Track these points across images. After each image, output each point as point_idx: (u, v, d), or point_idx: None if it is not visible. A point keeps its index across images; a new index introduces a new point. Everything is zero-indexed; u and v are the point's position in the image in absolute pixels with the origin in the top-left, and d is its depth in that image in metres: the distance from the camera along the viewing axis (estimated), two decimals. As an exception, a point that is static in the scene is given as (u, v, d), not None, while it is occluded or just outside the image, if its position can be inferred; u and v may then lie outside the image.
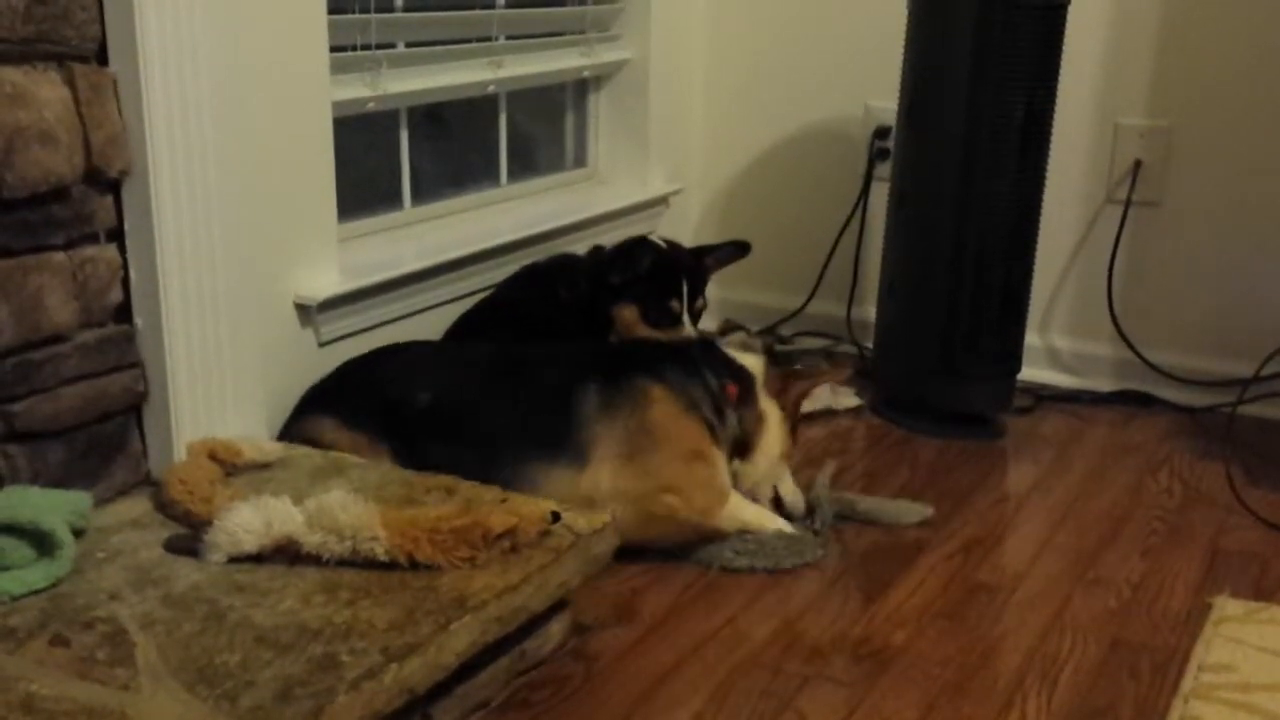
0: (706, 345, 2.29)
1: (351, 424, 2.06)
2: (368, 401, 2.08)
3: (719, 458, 2.10)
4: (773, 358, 2.98)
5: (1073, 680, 1.78)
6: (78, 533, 1.65)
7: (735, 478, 2.14)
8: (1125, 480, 2.49)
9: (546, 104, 3.05)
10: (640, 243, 2.56)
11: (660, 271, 2.56)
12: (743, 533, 2.10)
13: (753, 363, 2.25)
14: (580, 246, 2.83)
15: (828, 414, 2.77)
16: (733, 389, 2.15)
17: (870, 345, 2.93)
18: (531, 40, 2.80)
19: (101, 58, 1.74)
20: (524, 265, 2.62)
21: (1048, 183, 2.63)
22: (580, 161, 3.14)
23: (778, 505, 2.20)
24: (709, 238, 3.18)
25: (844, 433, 2.70)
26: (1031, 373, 2.91)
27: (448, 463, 1.94)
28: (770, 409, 2.19)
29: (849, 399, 2.82)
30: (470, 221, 2.71)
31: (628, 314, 2.55)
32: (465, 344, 2.40)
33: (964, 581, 2.06)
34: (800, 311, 3.21)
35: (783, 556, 2.07)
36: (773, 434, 2.18)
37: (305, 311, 2.18)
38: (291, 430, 2.11)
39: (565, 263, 2.67)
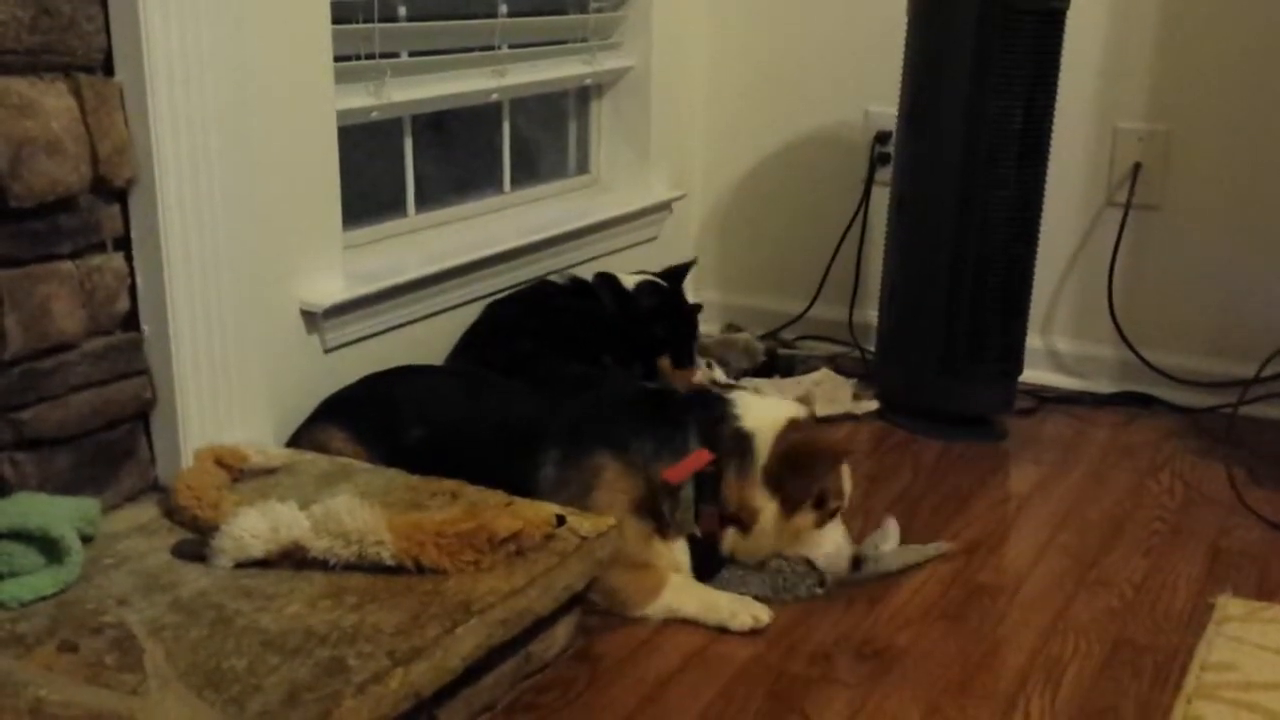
0: (707, 402, 2.04)
1: (359, 439, 2.08)
2: (376, 421, 2.10)
3: (658, 552, 1.95)
4: (772, 366, 3.00)
5: (1076, 680, 1.79)
6: (86, 539, 1.66)
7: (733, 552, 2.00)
8: (1127, 481, 2.49)
9: (549, 111, 3.07)
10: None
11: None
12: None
13: (769, 421, 1.97)
14: (583, 253, 2.85)
15: (847, 419, 2.77)
16: (704, 457, 1.94)
17: (872, 348, 2.94)
18: (534, 49, 2.81)
19: (107, 68, 1.76)
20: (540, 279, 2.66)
21: (1048, 186, 2.64)
22: (583, 168, 3.15)
23: (811, 567, 2.01)
24: (711, 243, 3.21)
25: (847, 435, 2.71)
26: (1033, 374, 2.92)
27: None
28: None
29: (868, 404, 2.82)
30: (474, 228, 2.72)
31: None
32: (472, 379, 2.28)
33: (966, 582, 2.07)
34: (803, 315, 3.22)
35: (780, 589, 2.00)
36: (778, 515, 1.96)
37: (311, 318, 2.19)
38: (304, 434, 2.13)
39: (611, 284, 2.71)
